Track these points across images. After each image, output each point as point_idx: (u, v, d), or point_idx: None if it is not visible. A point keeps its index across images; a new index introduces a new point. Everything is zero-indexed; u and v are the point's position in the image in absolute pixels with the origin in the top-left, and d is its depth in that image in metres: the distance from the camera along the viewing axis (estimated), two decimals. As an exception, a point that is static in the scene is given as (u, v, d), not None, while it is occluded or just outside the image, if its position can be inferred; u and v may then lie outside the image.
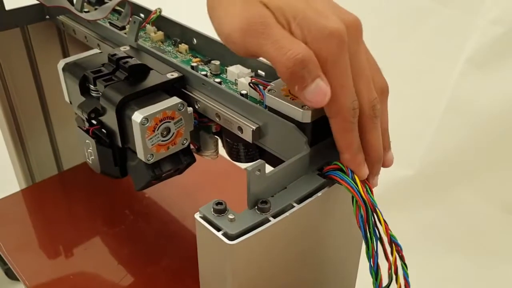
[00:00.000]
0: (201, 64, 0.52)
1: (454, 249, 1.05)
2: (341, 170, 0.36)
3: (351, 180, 0.35)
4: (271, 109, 0.40)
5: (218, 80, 0.48)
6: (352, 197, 0.35)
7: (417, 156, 1.03)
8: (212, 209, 0.31)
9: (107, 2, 0.64)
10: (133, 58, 0.46)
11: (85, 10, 0.61)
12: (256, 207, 0.32)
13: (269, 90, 0.40)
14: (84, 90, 0.46)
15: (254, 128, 0.40)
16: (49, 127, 0.71)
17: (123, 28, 0.57)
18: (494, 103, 0.97)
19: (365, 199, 0.34)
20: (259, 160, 0.32)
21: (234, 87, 0.47)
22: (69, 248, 0.62)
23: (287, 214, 0.32)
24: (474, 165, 1.02)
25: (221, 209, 0.31)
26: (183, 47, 0.54)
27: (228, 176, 0.69)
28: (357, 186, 0.34)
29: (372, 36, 1.13)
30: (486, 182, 1.02)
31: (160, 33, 0.57)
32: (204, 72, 0.48)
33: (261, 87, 0.43)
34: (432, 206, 1.02)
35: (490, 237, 1.00)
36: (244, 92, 0.44)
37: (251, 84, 0.44)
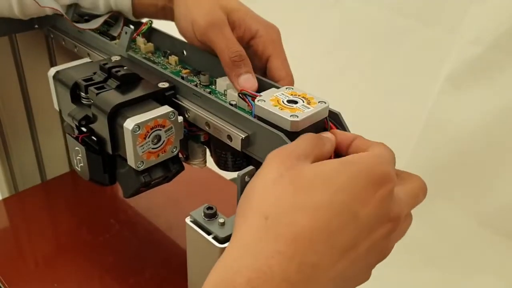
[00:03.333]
0: (191, 75, 0.53)
1: (431, 262, 1.07)
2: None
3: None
4: (260, 118, 0.41)
5: (208, 90, 0.49)
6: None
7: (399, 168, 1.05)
8: (202, 213, 0.32)
9: (97, 16, 0.65)
10: (125, 67, 0.47)
11: (75, 20, 0.62)
12: (246, 212, 0.33)
13: (258, 100, 0.41)
14: (75, 98, 0.47)
15: (243, 136, 0.41)
16: (34, 136, 0.71)
17: (113, 38, 0.58)
18: (471, 121, 1.00)
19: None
20: (249, 166, 0.33)
21: (223, 97, 0.49)
22: (53, 258, 0.62)
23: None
24: (451, 180, 1.05)
25: (211, 214, 0.32)
26: (173, 58, 0.55)
27: (215, 186, 0.70)
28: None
29: (353, 54, 1.17)
30: (462, 196, 1.04)
31: (150, 44, 0.58)
32: (194, 83, 0.49)
33: (249, 98, 0.44)
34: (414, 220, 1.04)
35: (465, 250, 1.03)
36: (233, 102, 0.46)
37: (240, 95, 0.45)
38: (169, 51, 0.57)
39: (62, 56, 0.68)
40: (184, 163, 0.49)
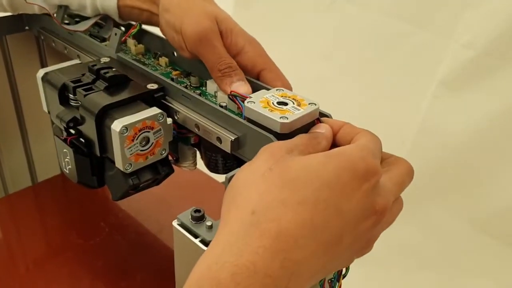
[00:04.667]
0: (181, 77, 0.53)
1: (425, 265, 1.06)
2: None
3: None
4: (250, 120, 0.40)
5: (198, 92, 0.49)
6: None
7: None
8: (190, 216, 0.32)
9: (87, 18, 0.64)
10: (113, 69, 0.46)
11: (65, 21, 0.62)
12: (233, 214, 0.33)
13: (248, 102, 0.40)
14: (63, 100, 0.46)
15: (233, 138, 0.41)
16: (24, 138, 0.70)
17: (104, 40, 0.57)
18: (465, 125, 1.00)
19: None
20: (237, 168, 0.33)
21: (214, 99, 0.48)
22: (43, 261, 0.61)
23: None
24: (446, 184, 1.05)
25: (199, 217, 0.31)
26: (163, 60, 0.55)
27: (206, 188, 0.69)
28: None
29: (347, 58, 1.16)
30: (456, 200, 1.04)
31: (141, 46, 0.58)
32: (184, 84, 0.49)
33: (239, 99, 0.44)
34: (404, 223, 1.04)
35: (460, 254, 1.02)
36: (223, 104, 0.45)
37: (230, 96, 0.45)
38: (159, 53, 0.56)
39: (53, 58, 0.67)
40: (174, 166, 0.49)
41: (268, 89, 0.45)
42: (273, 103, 0.41)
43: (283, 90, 0.43)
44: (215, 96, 0.48)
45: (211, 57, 0.45)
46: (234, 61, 0.46)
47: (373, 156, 0.33)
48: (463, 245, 1.02)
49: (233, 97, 0.45)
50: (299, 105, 0.40)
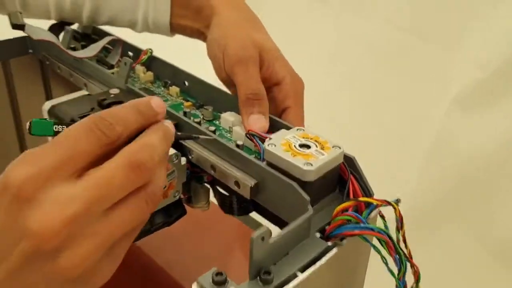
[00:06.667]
0: (193, 109, 0.50)
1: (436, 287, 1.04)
2: (349, 220, 0.34)
3: (367, 224, 0.33)
4: (270, 164, 0.38)
5: (212, 128, 0.46)
6: (379, 240, 0.33)
7: (400, 193, 1.02)
8: (211, 280, 0.29)
9: (93, 38, 0.62)
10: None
11: (72, 46, 0.59)
12: (258, 278, 0.30)
13: (268, 144, 0.38)
14: (71, 136, 0.44)
15: (253, 184, 0.38)
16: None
17: (111, 66, 0.55)
18: (479, 145, 0.97)
19: (392, 238, 0.33)
20: (263, 226, 0.30)
21: (228, 135, 0.46)
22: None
23: (290, 285, 0.30)
24: (460, 204, 1.02)
25: (221, 281, 0.29)
26: (174, 89, 0.52)
27: (218, 222, 0.66)
28: (375, 226, 0.34)
29: (353, 70, 1.14)
30: (469, 222, 1.01)
31: (150, 73, 0.55)
32: (197, 119, 0.46)
33: (257, 138, 0.42)
34: (417, 245, 1.01)
35: (475, 277, 1.00)
36: (239, 142, 0.43)
37: (248, 136, 0.42)
38: (169, 81, 0.54)
39: (57, 83, 0.65)
40: (185, 205, 0.46)
41: (287, 128, 0.42)
42: (295, 145, 0.38)
43: (303, 130, 0.41)
44: (230, 131, 0.46)
45: (243, 79, 0.44)
46: (264, 90, 0.44)
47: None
48: (476, 268, 1.00)
49: (250, 136, 0.42)
50: (322, 148, 0.38)
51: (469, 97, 0.97)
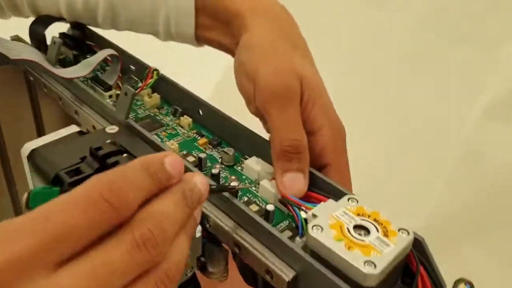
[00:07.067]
0: (209, 148, 0.41)
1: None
2: None
3: None
4: (315, 254, 0.29)
5: (233, 177, 0.37)
6: None
7: (422, 206, 0.94)
8: None
9: (88, 45, 0.52)
10: (124, 156, 0.34)
11: (61, 56, 0.49)
12: None
13: (313, 227, 0.29)
14: (56, 192, 0.35)
15: (290, 277, 0.29)
16: (11, 187, 0.58)
17: (109, 88, 0.45)
18: (510, 159, 0.88)
19: None
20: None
21: (254, 189, 0.37)
22: None
23: None
24: (485, 221, 0.93)
25: None
26: (186, 120, 0.43)
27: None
28: None
29: (375, 71, 1.03)
30: (496, 241, 0.93)
31: (156, 96, 0.46)
32: (216, 168, 0.36)
33: (295, 207, 0.32)
34: (439, 260, 0.93)
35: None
36: (270, 207, 0.33)
37: (282, 202, 0.33)
38: (180, 109, 0.44)
39: (44, 96, 0.55)
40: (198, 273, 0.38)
41: (336, 193, 0.33)
42: (348, 229, 0.29)
43: (357, 201, 0.31)
44: (256, 184, 0.37)
45: (278, 123, 0.35)
46: (306, 139, 0.35)
47: None
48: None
49: (286, 202, 0.33)
50: (385, 233, 0.29)
51: (501, 107, 0.87)
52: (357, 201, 0.31)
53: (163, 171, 0.25)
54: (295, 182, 0.34)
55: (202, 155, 0.38)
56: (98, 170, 0.34)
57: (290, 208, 0.33)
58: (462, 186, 0.93)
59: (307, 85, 0.35)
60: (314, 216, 0.30)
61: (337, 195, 0.33)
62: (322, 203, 0.31)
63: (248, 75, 0.36)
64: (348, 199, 0.31)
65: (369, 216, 0.30)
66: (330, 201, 0.31)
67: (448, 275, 0.94)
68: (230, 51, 0.42)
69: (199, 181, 0.27)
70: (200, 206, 0.27)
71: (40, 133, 0.54)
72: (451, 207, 0.94)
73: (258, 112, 0.37)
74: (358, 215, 0.30)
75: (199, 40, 0.44)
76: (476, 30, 0.94)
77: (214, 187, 0.32)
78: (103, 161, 0.34)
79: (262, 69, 0.36)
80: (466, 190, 0.93)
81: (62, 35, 0.52)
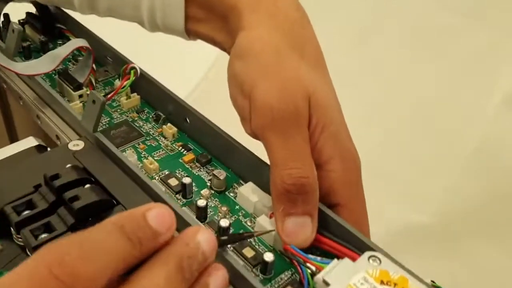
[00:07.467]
0: (196, 166, 0.34)
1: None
2: None
3: None
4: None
5: (224, 209, 0.30)
6: None
7: (435, 201, 0.88)
8: None
9: (59, 28, 0.44)
10: (87, 187, 0.27)
11: (25, 44, 0.42)
12: None
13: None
14: (1, 229, 0.28)
15: None
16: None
17: (78, 86, 0.38)
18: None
19: None
20: None
21: (248, 223, 0.30)
22: None
23: None
24: (499, 217, 0.88)
25: None
26: (170, 130, 0.36)
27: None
28: None
29: (389, 56, 0.96)
30: (510, 236, 0.88)
31: (136, 97, 0.38)
32: (201, 202, 0.30)
33: (300, 262, 0.26)
34: (446, 257, 0.88)
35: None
36: (268, 258, 0.27)
37: (286, 256, 0.26)
38: (163, 115, 0.37)
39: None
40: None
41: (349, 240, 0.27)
42: (369, 301, 0.22)
43: (379, 261, 0.25)
44: (251, 218, 0.30)
45: (281, 155, 0.27)
46: (316, 176, 0.27)
47: None
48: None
49: (289, 254, 0.26)
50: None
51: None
52: (380, 261, 0.24)
53: (145, 228, 0.19)
54: (301, 229, 0.27)
55: (187, 181, 0.31)
56: (53, 205, 0.27)
57: (295, 262, 0.26)
58: (477, 181, 0.87)
59: (317, 105, 0.28)
60: (326, 284, 0.23)
61: (352, 241, 0.27)
62: (334, 262, 0.25)
63: (242, 90, 0.29)
64: (369, 258, 0.25)
65: (395, 285, 0.23)
66: (346, 261, 0.25)
67: (458, 269, 0.89)
68: (226, 50, 0.34)
69: (204, 239, 0.20)
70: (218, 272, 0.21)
71: (13, 139, 0.47)
72: (463, 200, 0.88)
73: (255, 135, 0.29)
74: (382, 283, 0.23)
75: (190, 34, 0.36)
76: (496, 13, 0.86)
77: (226, 238, 0.26)
78: (59, 193, 0.27)
79: (261, 84, 0.28)
80: (481, 184, 0.87)
81: (28, 16, 0.44)
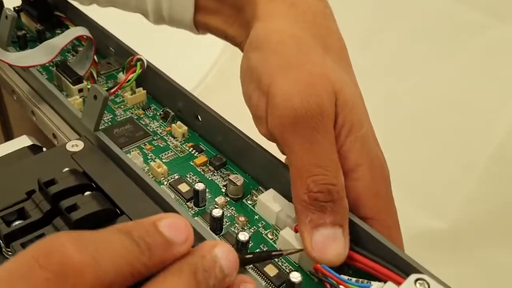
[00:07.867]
0: (210, 170, 0.30)
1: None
2: None
3: None
4: None
5: (242, 219, 0.27)
6: None
7: (452, 207, 0.85)
8: None
9: (58, 16, 0.41)
10: (86, 194, 0.24)
11: (20, 33, 0.38)
12: None
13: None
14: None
15: None
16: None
17: (78, 80, 0.34)
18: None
19: None
20: None
21: (269, 235, 0.26)
22: None
23: None
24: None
25: None
26: (180, 129, 0.32)
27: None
28: None
29: (402, 55, 0.92)
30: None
31: (142, 92, 0.35)
32: (217, 212, 0.26)
33: (332, 284, 0.22)
34: (463, 264, 0.85)
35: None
36: (296, 279, 0.23)
37: (315, 276, 0.23)
38: (172, 113, 0.33)
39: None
40: None
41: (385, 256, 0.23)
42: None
43: (428, 285, 0.21)
44: (274, 231, 0.27)
45: (304, 160, 0.24)
46: (343, 181, 0.24)
47: None
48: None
49: (321, 277, 0.23)
50: None
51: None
52: (428, 285, 0.21)
53: (155, 235, 0.17)
54: (332, 243, 0.23)
55: (199, 187, 0.27)
56: (48, 215, 0.23)
57: (327, 285, 0.23)
58: (494, 187, 0.84)
59: (344, 104, 0.24)
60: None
61: (388, 257, 0.23)
62: (377, 286, 0.21)
63: (259, 85, 0.25)
64: (416, 281, 0.21)
65: (446, 315, 0.20)
66: (390, 286, 0.21)
67: (475, 277, 0.86)
68: (239, 45, 0.30)
69: (222, 254, 0.18)
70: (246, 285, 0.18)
71: (9, 137, 0.43)
72: (482, 206, 0.85)
73: (271, 137, 0.26)
74: (432, 312, 0.20)
75: (200, 27, 0.32)
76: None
77: (250, 256, 0.22)
78: (54, 202, 0.23)
79: (281, 78, 0.24)
80: (499, 187, 0.84)
81: (24, 2, 0.40)
